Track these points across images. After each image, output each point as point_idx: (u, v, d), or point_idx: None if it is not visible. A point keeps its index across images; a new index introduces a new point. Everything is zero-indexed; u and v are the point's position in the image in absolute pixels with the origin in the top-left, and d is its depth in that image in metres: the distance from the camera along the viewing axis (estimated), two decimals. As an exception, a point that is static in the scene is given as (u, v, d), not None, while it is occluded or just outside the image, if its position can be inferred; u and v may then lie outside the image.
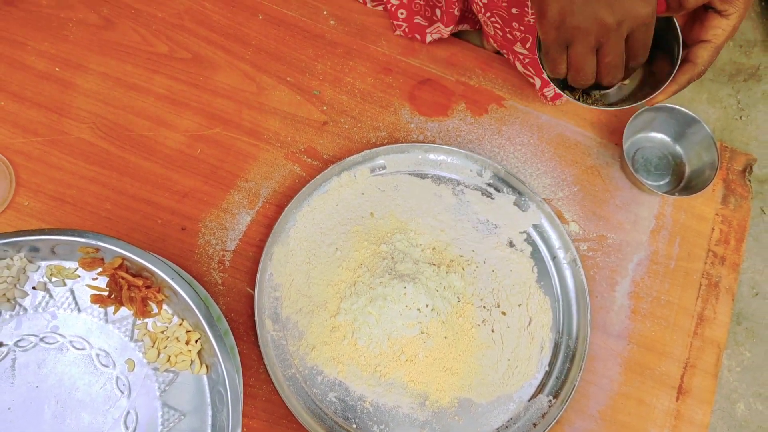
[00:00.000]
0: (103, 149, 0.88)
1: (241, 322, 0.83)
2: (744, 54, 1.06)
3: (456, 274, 0.85)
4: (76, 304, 0.71)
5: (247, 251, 0.86)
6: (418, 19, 0.96)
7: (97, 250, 0.70)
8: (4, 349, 0.69)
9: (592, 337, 0.87)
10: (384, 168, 0.91)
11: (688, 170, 0.95)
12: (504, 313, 0.85)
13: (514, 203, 0.91)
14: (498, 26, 0.87)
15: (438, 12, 0.93)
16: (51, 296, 0.71)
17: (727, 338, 0.92)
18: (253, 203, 0.88)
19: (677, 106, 0.91)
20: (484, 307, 0.85)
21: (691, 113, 0.91)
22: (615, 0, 0.58)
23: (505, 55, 0.95)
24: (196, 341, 0.70)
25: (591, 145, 0.96)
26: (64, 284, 0.71)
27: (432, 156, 0.91)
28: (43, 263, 0.71)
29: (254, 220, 0.88)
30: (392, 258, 0.84)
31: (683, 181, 0.95)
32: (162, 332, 0.70)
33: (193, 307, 0.68)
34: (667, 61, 0.70)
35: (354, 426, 0.80)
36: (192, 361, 0.70)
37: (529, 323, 0.86)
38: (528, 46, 0.87)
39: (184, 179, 0.88)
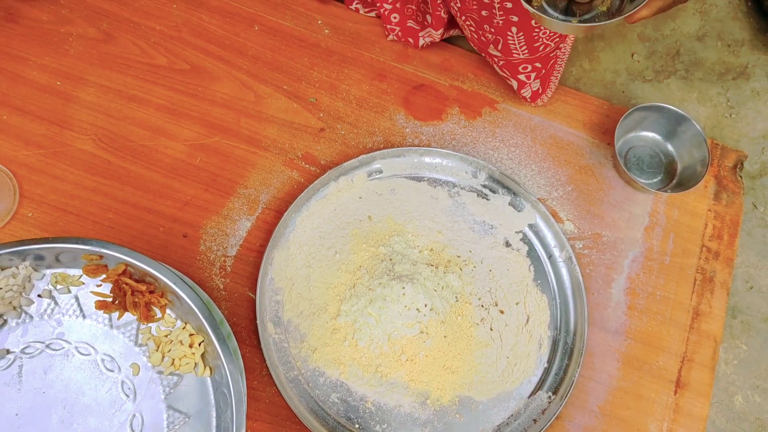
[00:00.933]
0: (104, 160, 0.89)
1: (243, 326, 0.85)
2: (732, 53, 1.08)
3: (454, 274, 0.86)
4: (81, 310, 0.72)
5: (247, 256, 0.88)
6: (410, 23, 0.98)
7: (101, 257, 0.71)
8: (11, 356, 0.70)
9: (589, 333, 0.89)
10: (381, 172, 0.92)
11: (679, 167, 0.96)
12: (502, 312, 0.86)
13: (510, 204, 0.92)
14: (473, 29, 0.89)
15: (428, 17, 0.95)
16: (56, 303, 0.72)
17: (723, 332, 0.93)
18: (252, 209, 0.90)
19: (667, 105, 0.93)
20: (482, 306, 0.86)
21: (681, 111, 0.93)
22: None
23: (485, 57, 0.96)
24: (200, 344, 0.71)
25: (583, 145, 0.98)
26: (69, 291, 0.73)
27: (427, 159, 0.93)
28: (48, 271, 0.73)
29: (254, 226, 0.89)
30: (390, 260, 0.86)
31: (675, 179, 0.96)
32: (166, 336, 0.72)
33: (196, 310, 0.69)
34: None
35: (356, 426, 0.82)
36: (196, 364, 0.71)
37: (527, 321, 0.87)
38: (500, 47, 0.88)
39: (185, 187, 0.89)
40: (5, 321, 0.71)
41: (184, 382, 0.72)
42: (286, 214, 0.86)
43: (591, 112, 1.00)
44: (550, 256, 0.90)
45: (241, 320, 0.85)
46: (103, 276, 0.73)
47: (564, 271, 0.89)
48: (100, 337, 0.72)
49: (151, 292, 0.72)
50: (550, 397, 0.85)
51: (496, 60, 0.93)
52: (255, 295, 0.84)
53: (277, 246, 0.86)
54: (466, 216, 0.92)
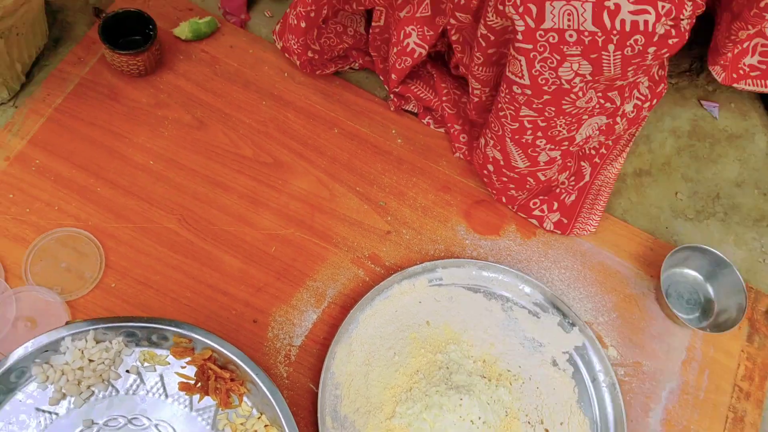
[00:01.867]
0: (187, 240, 0.95)
1: (301, 416, 0.88)
2: (767, 201, 1.16)
3: (505, 389, 0.90)
4: (165, 389, 0.76)
5: (311, 348, 0.92)
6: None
7: (190, 340, 0.76)
8: (95, 428, 0.74)
9: (625, 459, 0.92)
10: (441, 279, 0.98)
11: (716, 308, 1.03)
12: (547, 431, 0.90)
13: (558, 324, 0.98)
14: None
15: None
16: (142, 380, 0.76)
17: (751, 472, 0.97)
18: (319, 302, 0.95)
19: (711, 249, 1.00)
20: (528, 422, 0.90)
21: (724, 257, 1.00)
22: None
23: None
24: (273, 435, 0.75)
25: (629, 275, 1.04)
26: (155, 370, 0.77)
27: (486, 273, 0.99)
28: (137, 349, 0.77)
29: (320, 319, 0.94)
30: (447, 368, 0.90)
31: (711, 318, 1.02)
32: (242, 424, 0.76)
33: (274, 403, 0.74)
34: None
35: None
36: (267, 454, 0.75)
37: (570, 442, 0.91)
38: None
39: (259, 274, 0.95)
40: (93, 392, 0.75)
41: (253, 471, 0.75)
42: (352, 310, 0.92)
43: (637, 244, 1.07)
44: (593, 380, 0.95)
45: (300, 410, 0.88)
46: (189, 359, 0.77)
47: (607, 396, 0.94)
48: (180, 417, 0.76)
49: (232, 380, 0.76)
50: None
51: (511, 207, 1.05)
52: (317, 388, 0.88)
53: (340, 341, 0.91)
54: (518, 331, 0.97)
